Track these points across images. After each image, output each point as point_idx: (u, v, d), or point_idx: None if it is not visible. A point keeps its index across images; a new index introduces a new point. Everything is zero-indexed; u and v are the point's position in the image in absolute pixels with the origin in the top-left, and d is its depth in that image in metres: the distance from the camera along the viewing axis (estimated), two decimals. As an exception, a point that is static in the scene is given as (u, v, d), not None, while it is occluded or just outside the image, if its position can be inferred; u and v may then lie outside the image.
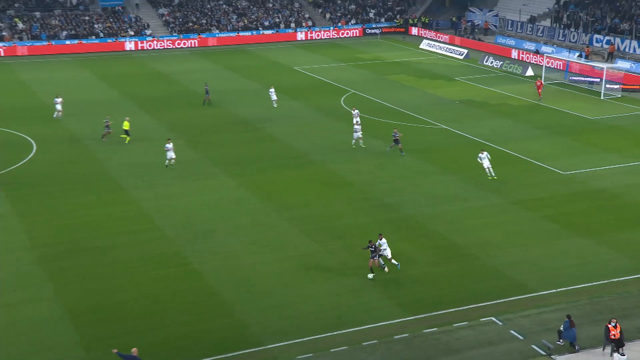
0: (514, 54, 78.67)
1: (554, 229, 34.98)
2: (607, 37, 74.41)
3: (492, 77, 69.73)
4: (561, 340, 25.19)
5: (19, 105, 58.19)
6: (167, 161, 42.37)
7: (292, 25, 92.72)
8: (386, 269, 30.11)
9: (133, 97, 60.64)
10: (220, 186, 40.40)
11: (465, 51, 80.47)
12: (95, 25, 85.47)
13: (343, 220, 35.89)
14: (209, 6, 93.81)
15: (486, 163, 40.74)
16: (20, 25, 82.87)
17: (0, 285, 29.42)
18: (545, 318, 27.00)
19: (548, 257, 32.08)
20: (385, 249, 30.12)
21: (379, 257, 29.95)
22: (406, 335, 26.04)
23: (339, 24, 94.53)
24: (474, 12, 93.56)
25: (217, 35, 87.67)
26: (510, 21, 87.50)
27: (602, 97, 61.16)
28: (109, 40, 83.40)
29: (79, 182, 40.89)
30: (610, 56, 71.93)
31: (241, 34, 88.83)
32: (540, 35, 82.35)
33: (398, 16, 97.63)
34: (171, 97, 61.06)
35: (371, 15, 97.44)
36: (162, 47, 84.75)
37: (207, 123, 53.03)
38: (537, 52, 76.91)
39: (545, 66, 68.64)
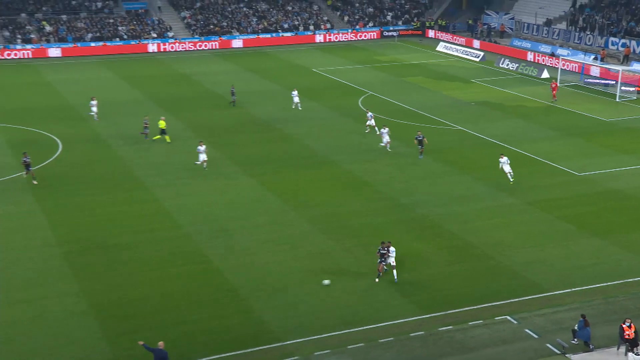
0: (530, 56, 78.16)
1: (568, 230, 34.71)
2: (622, 40, 73.73)
3: (508, 79, 69.32)
4: (576, 340, 24.99)
5: (45, 105, 58.60)
6: (199, 162, 42.21)
7: (311, 27, 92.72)
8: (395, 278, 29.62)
9: (155, 98, 60.90)
10: (239, 185, 40.47)
11: (482, 54, 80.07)
12: (119, 28, 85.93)
13: (359, 219, 35.82)
14: (229, 9, 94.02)
15: (507, 168, 40.28)
16: (48, 28, 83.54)
17: (27, 280, 29.67)
18: (559, 317, 26.81)
19: (563, 257, 31.85)
20: (390, 256, 29.60)
21: (384, 263, 29.51)
22: (422, 333, 25.96)
23: (357, 27, 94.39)
24: (490, 15, 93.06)
25: (237, 38, 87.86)
26: (526, 24, 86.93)
27: (617, 99, 60.63)
28: (133, 42, 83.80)
29: (103, 180, 41.13)
30: (626, 59, 71.28)
31: (261, 36, 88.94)
32: (556, 38, 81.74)
33: (415, 19, 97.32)
34: (192, 98, 61.24)
35: (388, 18, 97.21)
36: (184, 49, 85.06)
37: (227, 123, 53.15)
38: (552, 54, 76.37)
39: (561, 68, 68.16)
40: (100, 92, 61.71)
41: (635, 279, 29.87)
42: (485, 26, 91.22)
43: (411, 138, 46.67)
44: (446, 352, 24.86)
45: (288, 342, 25.41)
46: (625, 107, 58.43)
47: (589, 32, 78.46)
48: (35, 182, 39.34)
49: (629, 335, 24.09)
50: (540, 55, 77.41)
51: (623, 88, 61.36)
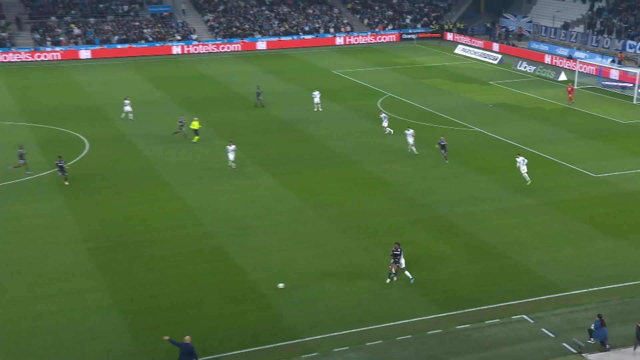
0: (548, 59, 77.51)
1: (585, 230, 34.36)
2: (640, 43, 73.01)
3: (526, 82, 68.81)
4: (592, 339, 24.72)
5: (73, 105, 59.03)
6: (230, 163, 42.18)
7: (331, 30, 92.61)
8: (395, 278, 29.16)
9: (179, 99, 61.14)
10: (260, 184, 40.50)
11: (500, 56, 79.56)
12: (145, 30, 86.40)
13: (377, 219, 35.70)
14: (252, 12, 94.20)
15: (523, 168, 39.86)
16: (76, 31, 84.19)
17: (54, 275, 29.89)
18: (576, 317, 26.54)
19: (579, 258, 31.53)
20: (400, 259, 29.30)
21: (397, 264, 29.03)
22: (439, 331, 25.82)
23: (377, 30, 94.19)
24: (508, 19, 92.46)
25: (259, 40, 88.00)
26: (544, 27, 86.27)
27: (634, 102, 59.94)
28: (157, 45, 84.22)
29: (127, 179, 41.35)
30: (643, 61, 70.56)
31: (282, 38, 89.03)
32: (574, 41, 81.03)
33: (434, 22, 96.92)
34: (215, 99, 61.42)
35: (407, 21, 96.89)
36: (207, 51, 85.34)
37: (249, 124, 53.22)
38: (570, 57, 75.71)
39: (578, 71, 67.53)
40: (125, 93, 62.06)
41: (652, 280, 29.52)
42: (503, 29, 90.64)
43: (429, 139, 46.48)
44: (463, 350, 24.70)
45: (307, 339, 25.37)
46: (643, 110, 57.81)
47: (606, 35, 77.70)
48: (66, 184, 39.49)
49: (645, 335, 23.81)
50: (558, 58, 76.76)
51: (640, 90, 60.70)
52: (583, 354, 24.22)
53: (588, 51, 76.85)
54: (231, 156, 42.16)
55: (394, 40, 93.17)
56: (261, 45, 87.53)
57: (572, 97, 59.21)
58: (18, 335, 25.53)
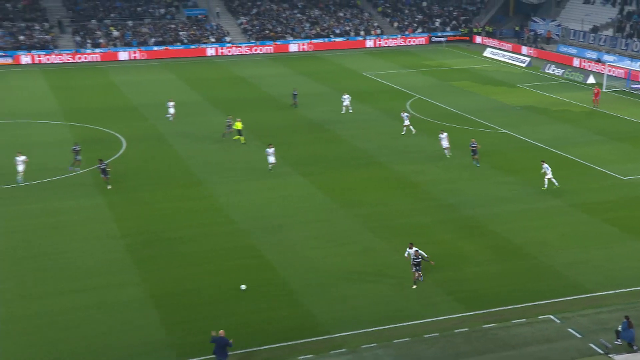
0: (576, 62, 76.48)
1: (613, 232, 33.82)
2: (669, 47, 71.70)
3: (554, 85, 67.95)
4: (619, 340, 24.32)
5: (111, 105, 59.67)
6: (270, 165, 42.03)
7: (362, 33, 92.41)
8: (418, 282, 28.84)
9: (213, 99, 61.46)
10: (291, 184, 40.53)
11: (528, 59, 78.68)
12: (180, 33, 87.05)
13: (405, 218, 35.52)
14: (284, 15, 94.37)
15: (548, 175, 39.21)
16: (115, 33, 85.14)
17: (91, 269, 30.23)
18: (603, 318, 26.13)
19: (607, 259, 31.04)
20: (415, 258, 29.06)
21: (419, 272, 28.60)
22: (465, 329, 25.61)
23: (406, 33, 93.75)
24: (537, 22, 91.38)
25: (291, 42, 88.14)
26: (572, 31, 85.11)
27: (663, 105, 58.93)
28: (192, 47, 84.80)
29: (163, 177, 41.67)
30: (672, 65, 69.24)
31: (314, 41, 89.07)
32: (603, 44, 79.84)
33: (463, 25, 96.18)
34: (248, 100, 61.63)
35: (437, 24, 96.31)
36: (240, 53, 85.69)
37: (280, 124, 53.32)
38: (599, 60, 74.60)
39: (607, 74, 66.50)
40: (161, 94, 62.63)
41: (680, 283, 28.94)
42: (532, 33, 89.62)
43: (457, 141, 46.08)
44: (489, 349, 24.46)
45: (336, 335, 25.33)
46: (671, 113, 56.74)
47: (636, 39, 76.39)
48: (109, 187, 39.25)
49: (672, 337, 23.36)
50: (587, 61, 75.68)
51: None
52: (610, 355, 23.83)
53: (617, 54, 75.64)
54: (271, 159, 41.91)
55: (423, 43, 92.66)
56: (293, 47, 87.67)
57: (598, 99, 58.33)
58: (57, 327, 25.87)
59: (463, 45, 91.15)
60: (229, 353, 23.39)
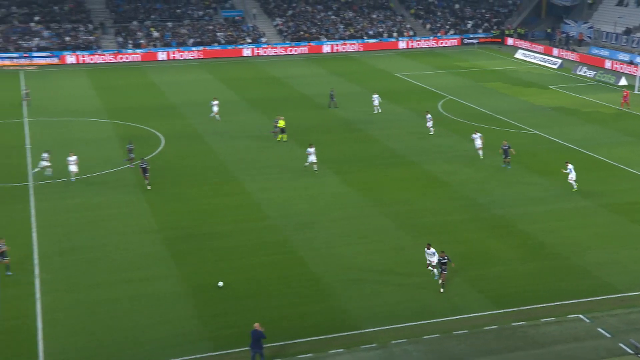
0: (608, 64, 75.12)
1: (643, 233, 33.14)
2: (702, 49, 69.99)
3: (585, 86, 66.85)
4: (648, 341, 23.82)
5: (150, 104, 60.23)
6: (307, 164, 41.58)
7: (395, 34, 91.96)
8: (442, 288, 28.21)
9: (249, 99, 61.67)
10: (323, 181, 40.47)
11: (559, 61, 77.51)
12: (218, 34, 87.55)
13: (435, 217, 35.23)
14: (318, 17, 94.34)
15: (572, 175, 38.57)
16: (155, 34, 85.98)
17: (130, 262, 30.55)
18: (633, 318, 25.62)
19: (637, 259, 30.43)
20: (433, 255, 28.64)
21: (445, 272, 27.98)
22: (495, 327, 25.31)
23: (439, 34, 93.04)
24: (568, 24, 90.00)
25: (325, 43, 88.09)
26: (605, 33, 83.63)
27: (695, 107, 57.57)
28: (229, 47, 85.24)
29: (199, 173, 41.93)
30: None
31: (347, 42, 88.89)
32: (636, 46, 78.29)
33: (495, 27, 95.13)
34: (283, 99, 61.71)
35: (469, 26, 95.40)
36: (276, 54, 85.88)
37: (314, 123, 53.28)
38: (631, 62, 73.16)
39: (639, 76, 65.17)
40: (198, 93, 63.10)
41: None
42: (564, 35, 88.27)
43: (488, 141, 45.52)
44: (519, 346, 24.14)
45: (366, 330, 25.24)
46: None
47: (668, 41, 74.81)
48: (149, 188, 38.96)
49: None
50: (619, 63, 74.29)
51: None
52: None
53: (649, 56, 74.17)
54: (312, 158, 41.56)
55: (455, 44, 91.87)
56: (327, 48, 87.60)
57: (626, 102, 57.20)
58: (97, 317, 26.19)
59: (495, 47, 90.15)
60: (264, 346, 23.41)
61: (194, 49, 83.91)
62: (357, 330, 25.24)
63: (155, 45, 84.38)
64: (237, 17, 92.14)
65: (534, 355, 23.69)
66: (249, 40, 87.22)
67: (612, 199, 37.32)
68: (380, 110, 55.85)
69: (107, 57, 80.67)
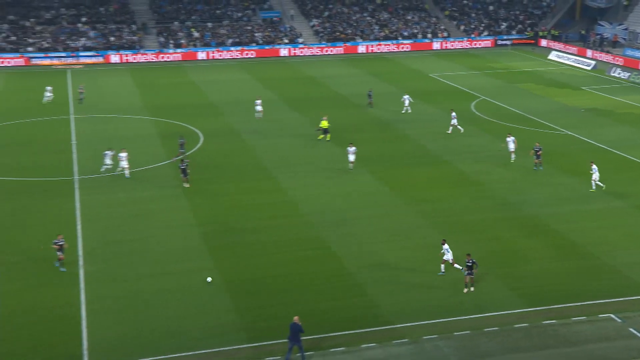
0: (642, 65, 73.65)
1: (676, 235, 32.45)
2: None
3: (619, 88, 65.61)
4: (680, 343, 23.33)
5: (190, 102, 60.78)
6: (350, 164, 41.60)
7: (429, 35, 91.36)
8: (472, 289, 27.59)
9: (285, 98, 61.85)
10: (358, 179, 40.44)
11: (593, 62, 76.18)
12: (256, 34, 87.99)
13: (468, 216, 34.97)
14: (354, 18, 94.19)
15: (595, 175, 37.83)
16: (195, 34, 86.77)
17: (170, 255, 30.93)
18: (664, 319, 25.13)
19: (669, 261, 29.80)
20: (448, 253, 28.41)
21: (472, 276, 27.51)
22: (525, 325, 25.05)
23: (472, 35, 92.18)
24: (603, 26, 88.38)
25: (360, 44, 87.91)
26: None
27: None
28: (267, 47, 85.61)
29: (237, 170, 42.23)
30: None
31: (382, 42, 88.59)
32: (670, 47, 76.59)
33: (528, 29, 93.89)
34: (319, 98, 61.76)
35: (503, 27, 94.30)
36: (312, 54, 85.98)
37: (349, 122, 53.21)
38: (665, 63, 71.62)
39: (674, 77, 63.82)
40: (237, 92, 63.50)
41: None
42: (598, 36, 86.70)
43: (521, 141, 44.96)
44: (549, 344, 23.86)
45: (398, 326, 25.19)
46: None
47: None
48: (186, 185, 39.02)
49: None
50: (653, 64, 72.79)
51: None
52: (671, 357, 22.93)
53: (684, 58, 72.48)
54: (351, 157, 41.56)
55: (489, 46, 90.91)
56: (362, 48, 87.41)
57: None
58: (138, 307, 26.59)
59: (528, 49, 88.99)
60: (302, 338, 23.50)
61: (232, 48, 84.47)
62: (389, 325, 25.21)
63: (195, 45, 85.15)
64: (274, 18, 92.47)
65: (564, 353, 23.40)
66: (286, 41, 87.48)
67: (645, 200, 36.63)
68: (410, 111, 55.53)
69: (149, 57, 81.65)
